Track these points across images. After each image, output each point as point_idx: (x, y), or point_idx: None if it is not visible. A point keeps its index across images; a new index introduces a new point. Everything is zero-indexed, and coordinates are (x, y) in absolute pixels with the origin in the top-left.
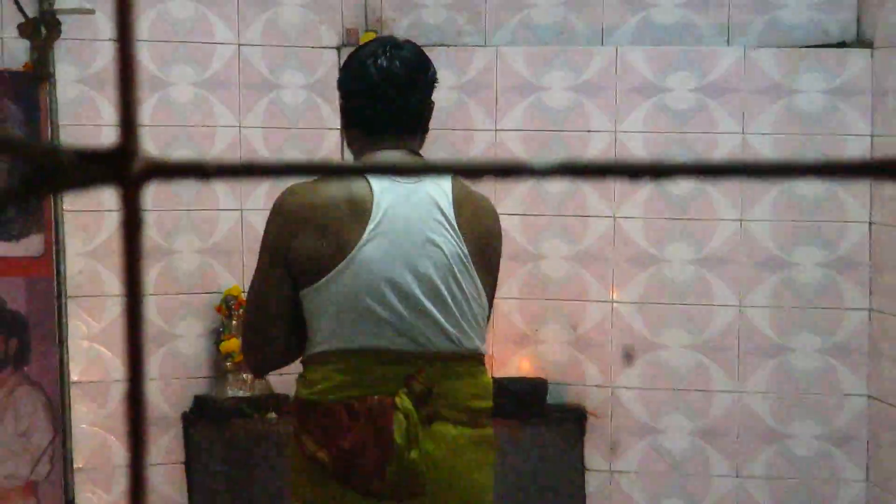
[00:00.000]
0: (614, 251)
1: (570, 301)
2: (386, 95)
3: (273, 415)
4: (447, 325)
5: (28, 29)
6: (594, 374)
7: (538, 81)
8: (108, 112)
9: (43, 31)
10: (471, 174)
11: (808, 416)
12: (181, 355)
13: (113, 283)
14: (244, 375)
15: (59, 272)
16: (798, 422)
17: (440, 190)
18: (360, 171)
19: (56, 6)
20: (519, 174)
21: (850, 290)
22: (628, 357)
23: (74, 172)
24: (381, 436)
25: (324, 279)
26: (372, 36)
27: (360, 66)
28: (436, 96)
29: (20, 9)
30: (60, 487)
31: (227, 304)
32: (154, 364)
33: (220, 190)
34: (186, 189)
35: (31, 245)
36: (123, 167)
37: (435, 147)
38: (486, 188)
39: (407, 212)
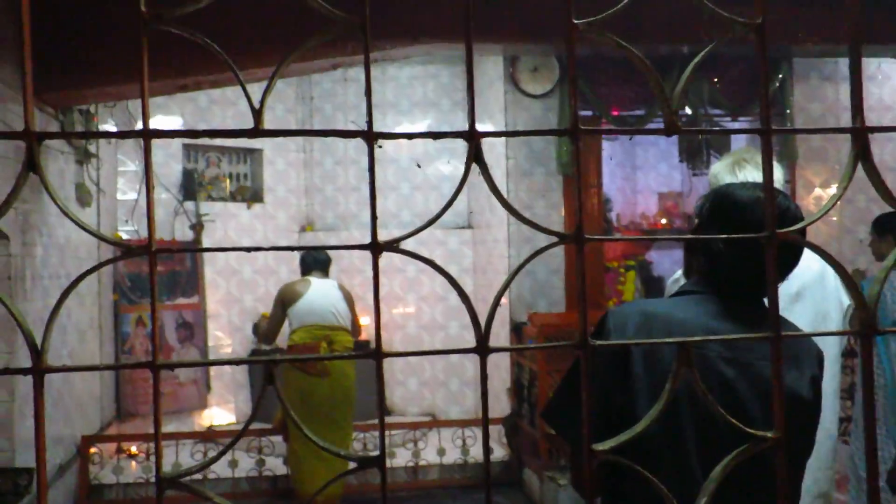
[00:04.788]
0: (407, 293)
1: (384, 311)
2: (315, 261)
3: (278, 354)
4: (338, 319)
5: (197, 227)
6: (400, 340)
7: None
8: (230, 266)
9: (200, 227)
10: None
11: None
12: (246, 335)
13: (222, 315)
14: (262, 345)
15: (204, 309)
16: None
17: (335, 283)
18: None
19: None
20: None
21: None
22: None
23: None
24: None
25: (296, 304)
26: (310, 229)
27: (307, 252)
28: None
29: (189, 219)
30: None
31: (261, 318)
32: (237, 339)
33: (260, 285)
34: (253, 287)
35: (193, 297)
36: None
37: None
38: (348, 283)
39: (324, 287)
